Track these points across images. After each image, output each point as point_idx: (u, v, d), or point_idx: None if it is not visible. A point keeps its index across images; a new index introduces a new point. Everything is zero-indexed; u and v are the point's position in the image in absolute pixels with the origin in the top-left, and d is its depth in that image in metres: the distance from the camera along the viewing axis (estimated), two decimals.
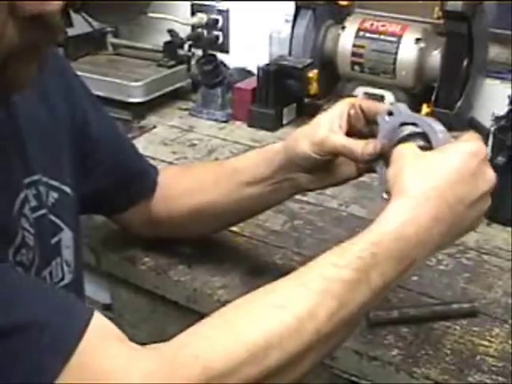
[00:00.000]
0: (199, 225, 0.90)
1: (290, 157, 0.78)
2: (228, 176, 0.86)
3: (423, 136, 0.68)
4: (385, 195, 0.66)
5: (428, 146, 0.67)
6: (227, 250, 0.98)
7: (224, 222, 0.92)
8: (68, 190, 0.74)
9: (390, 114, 0.72)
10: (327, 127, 0.75)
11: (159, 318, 0.98)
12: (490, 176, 0.64)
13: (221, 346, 0.51)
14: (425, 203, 0.60)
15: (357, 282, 0.56)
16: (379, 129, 0.73)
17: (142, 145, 1.36)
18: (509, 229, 1.04)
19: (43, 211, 0.68)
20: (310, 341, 0.53)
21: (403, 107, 0.72)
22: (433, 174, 0.61)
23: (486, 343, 0.80)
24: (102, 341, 0.51)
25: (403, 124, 0.71)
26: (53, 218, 0.70)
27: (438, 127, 0.68)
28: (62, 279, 0.71)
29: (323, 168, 0.78)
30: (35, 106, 0.71)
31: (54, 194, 0.71)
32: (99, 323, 0.53)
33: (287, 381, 0.54)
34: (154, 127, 1.45)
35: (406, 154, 0.64)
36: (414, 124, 0.70)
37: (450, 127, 0.68)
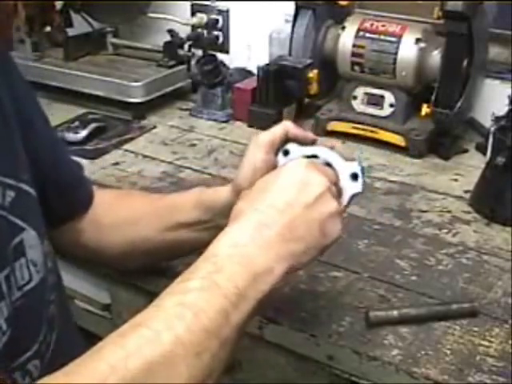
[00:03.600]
0: (128, 259, 0.87)
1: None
2: (166, 213, 0.83)
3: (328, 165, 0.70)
4: None
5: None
6: None
7: (155, 259, 0.90)
8: (27, 187, 0.70)
9: (286, 153, 0.72)
10: (263, 150, 0.74)
11: None
12: (317, 180, 0.64)
13: (85, 368, 0.52)
14: (252, 212, 0.62)
15: (206, 289, 0.56)
16: None
17: (142, 145, 1.37)
18: (509, 229, 1.04)
19: None
20: (171, 350, 0.53)
21: (296, 146, 0.72)
22: (263, 187, 0.65)
23: (486, 343, 0.80)
24: None
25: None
26: (11, 218, 0.67)
27: (334, 154, 0.70)
28: (30, 280, 0.69)
29: None
30: None
31: (11, 193, 0.67)
32: None
33: None
34: (154, 127, 1.45)
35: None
36: (314, 156, 0.70)
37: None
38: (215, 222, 0.79)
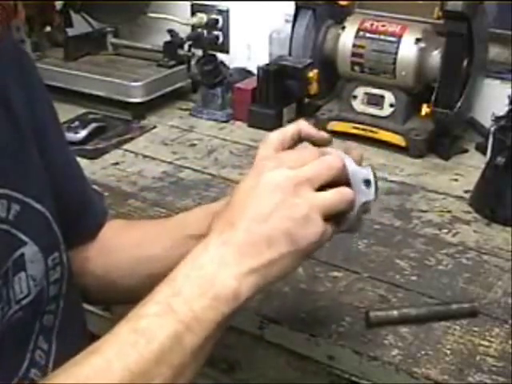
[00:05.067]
0: (133, 283, 0.83)
1: None
2: (175, 228, 0.81)
3: None
4: None
5: None
6: None
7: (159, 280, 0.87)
8: (33, 202, 0.68)
9: None
10: (272, 149, 0.69)
11: None
12: (273, 186, 0.61)
13: None
14: (215, 232, 0.60)
15: (161, 314, 0.55)
16: None
17: (142, 144, 1.37)
18: (509, 229, 1.04)
19: None
20: (122, 378, 0.52)
21: None
22: (229, 202, 0.62)
23: (486, 343, 0.80)
24: None
25: None
26: (14, 231, 0.65)
27: (347, 158, 0.65)
28: (28, 294, 0.67)
29: None
30: None
31: (16, 207, 0.66)
32: None
33: None
34: (154, 127, 1.45)
35: None
36: None
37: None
38: None
